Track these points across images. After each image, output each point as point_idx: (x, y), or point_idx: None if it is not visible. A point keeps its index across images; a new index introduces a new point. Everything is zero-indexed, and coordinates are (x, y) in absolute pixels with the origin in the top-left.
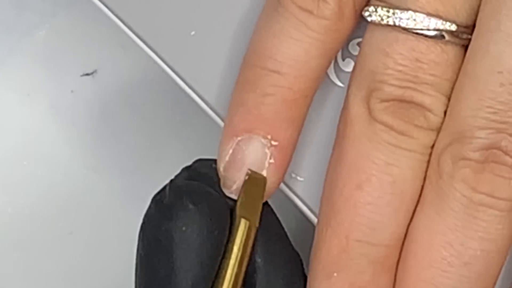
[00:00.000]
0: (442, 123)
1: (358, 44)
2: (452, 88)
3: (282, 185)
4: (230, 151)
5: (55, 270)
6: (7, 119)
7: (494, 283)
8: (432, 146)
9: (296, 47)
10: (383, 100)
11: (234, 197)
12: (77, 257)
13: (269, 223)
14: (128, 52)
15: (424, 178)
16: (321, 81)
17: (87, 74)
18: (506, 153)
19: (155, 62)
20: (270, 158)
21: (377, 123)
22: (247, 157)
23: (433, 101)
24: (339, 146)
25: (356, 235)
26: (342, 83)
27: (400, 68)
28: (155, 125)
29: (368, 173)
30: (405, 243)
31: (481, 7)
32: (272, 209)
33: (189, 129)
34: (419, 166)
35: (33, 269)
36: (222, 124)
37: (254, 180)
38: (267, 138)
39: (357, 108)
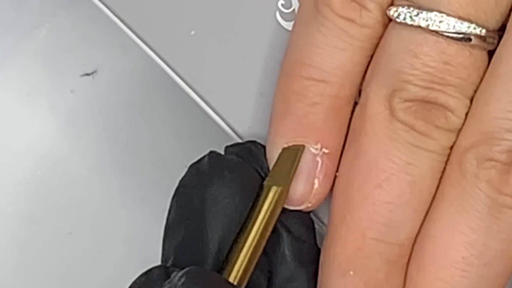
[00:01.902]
0: (462, 125)
1: None
2: (475, 91)
3: None
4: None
5: (55, 270)
6: (7, 119)
7: (507, 283)
8: (451, 148)
9: (341, 56)
10: (406, 100)
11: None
12: (77, 257)
13: (301, 216)
14: (128, 52)
15: (440, 178)
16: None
17: (87, 74)
18: None
19: (155, 62)
20: (321, 167)
21: (398, 122)
22: (300, 167)
23: (457, 103)
24: (357, 143)
25: (373, 234)
26: None
27: (428, 69)
28: (155, 125)
29: (388, 172)
30: (420, 241)
31: None
32: None
33: (189, 129)
34: (437, 167)
35: (33, 269)
36: (222, 124)
37: (290, 151)
38: (317, 146)
39: (377, 106)
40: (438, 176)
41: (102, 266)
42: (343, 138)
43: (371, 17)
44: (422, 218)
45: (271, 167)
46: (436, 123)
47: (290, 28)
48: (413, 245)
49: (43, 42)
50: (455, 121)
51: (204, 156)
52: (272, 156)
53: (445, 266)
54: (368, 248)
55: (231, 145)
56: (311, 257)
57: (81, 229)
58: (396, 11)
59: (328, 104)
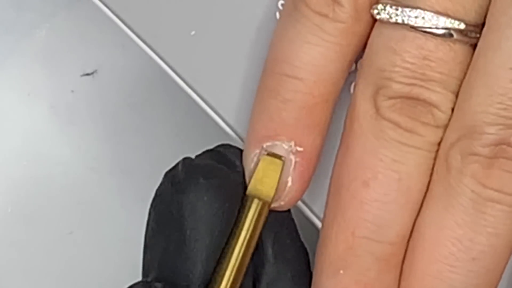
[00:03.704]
0: (449, 120)
1: None
2: (460, 86)
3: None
4: (255, 159)
5: (55, 270)
6: (7, 119)
7: (500, 278)
8: (439, 143)
9: (314, 51)
10: (390, 97)
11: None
12: (77, 257)
13: (281, 216)
14: (128, 52)
15: (431, 175)
16: (341, 84)
17: (87, 74)
18: None
19: (155, 62)
20: (295, 165)
21: (384, 120)
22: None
23: (441, 98)
24: (346, 142)
25: (362, 232)
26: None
27: (408, 65)
28: (155, 125)
29: (374, 170)
30: (412, 239)
31: (492, 3)
32: None
33: (189, 129)
34: (425, 163)
35: (33, 269)
36: (222, 124)
37: (270, 161)
38: (290, 144)
39: (364, 105)
40: (427, 173)
41: (102, 266)
42: (321, 137)
43: (344, 11)
44: (412, 215)
45: (246, 166)
46: (422, 119)
47: None
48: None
49: (43, 42)
50: (441, 116)
51: (178, 163)
52: (248, 156)
53: (433, 262)
54: (359, 247)
55: (201, 154)
56: (295, 256)
57: (81, 229)
58: (376, 8)
59: (300, 102)
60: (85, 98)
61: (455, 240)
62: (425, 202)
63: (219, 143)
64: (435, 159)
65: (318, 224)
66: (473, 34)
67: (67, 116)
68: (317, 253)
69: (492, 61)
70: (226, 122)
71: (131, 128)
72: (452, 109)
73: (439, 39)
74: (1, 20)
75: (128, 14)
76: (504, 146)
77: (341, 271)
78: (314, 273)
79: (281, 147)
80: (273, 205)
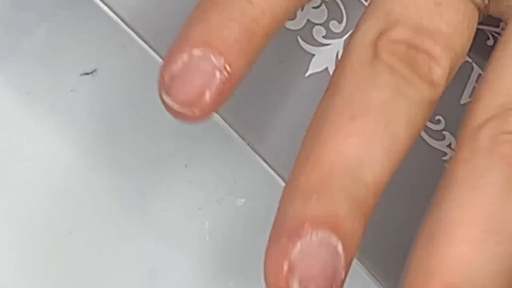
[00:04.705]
0: (444, 80)
1: None
2: (462, 46)
3: None
4: (180, 63)
5: (55, 270)
6: (6, 118)
7: None
8: (430, 103)
9: None
10: (392, 41)
11: (171, 111)
12: (77, 257)
13: None
14: (128, 52)
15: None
16: (281, 26)
17: (87, 74)
18: None
19: (156, 62)
20: (217, 81)
21: (381, 63)
22: (196, 73)
23: (442, 53)
24: (334, 84)
25: (341, 167)
26: None
27: (417, 10)
28: (155, 125)
29: (364, 105)
30: (433, 219)
31: None
32: None
33: (189, 129)
34: (414, 116)
35: (33, 269)
36: (222, 123)
37: None
38: (221, 60)
39: (360, 49)
40: (413, 130)
41: (102, 266)
42: (249, 65)
43: None
44: (392, 166)
45: (170, 65)
46: (419, 71)
47: (290, 27)
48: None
49: (42, 41)
50: (438, 73)
51: None
52: (174, 56)
53: (459, 245)
54: (334, 182)
55: None
56: None
57: (81, 229)
58: None
59: (245, 25)
60: (85, 98)
61: (482, 220)
62: (445, 186)
63: (219, 143)
64: (422, 119)
65: None
66: (486, 1)
67: (67, 115)
68: (288, 182)
69: None
70: (226, 121)
71: (131, 127)
72: (450, 69)
73: None
74: (1, 19)
75: (129, 14)
76: None
77: (313, 199)
78: (281, 200)
79: (211, 60)
80: (185, 112)
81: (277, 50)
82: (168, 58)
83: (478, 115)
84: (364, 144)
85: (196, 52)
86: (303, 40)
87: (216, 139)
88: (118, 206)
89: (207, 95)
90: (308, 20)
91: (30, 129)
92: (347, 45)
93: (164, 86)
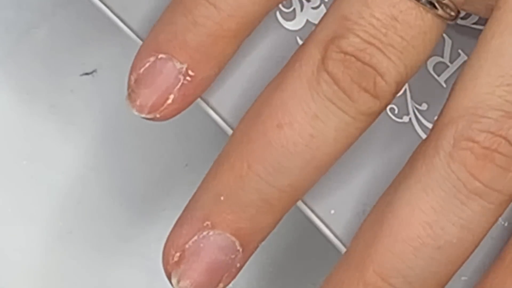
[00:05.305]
0: (390, 94)
1: None
2: (415, 60)
3: None
4: (147, 65)
5: (55, 270)
6: (6, 118)
7: (456, 271)
8: (369, 115)
9: None
10: (342, 51)
11: (135, 112)
12: (77, 257)
13: None
14: (128, 52)
15: (350, 144)
16: (255, 27)
17: (87, 74)
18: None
19: None
20: (180, 86)
21: (324, 72)
22: (160, 77)
23: (391, 67)
24: (280, 78)
25: (259, 170)
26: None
27: (374, 21)
28: (155, 125)
29: (293, 117)
30: (383, 212)
31: None
32: None
33: (189, 129)
34: (346, 130)
35: (33, 268)
36: (222, 123)
37: None
38: (183, 65)
39: (313, 49)
40: (345, 141)
41: (102, 266)
42: (217, 69)
43: None
44: (313, 174)
45: (134, 70)
46: (363, 84)
47: (290, 28)
48: (374, 215)
49: (42, 41)
50: (383, 87)
51: None
52: (140, 60)
53: (399, 241)
54: (249, 181)
55: None
56: None
57: (81, 228)
58: None
59: (210, 30)
60: (85, 98)
61: (426, 224)
62: (402, 178)
63: (219, 143)
64: (359, 129)
65: (319, 223)
66: (448, 11)
67: (67, 116)
68: (208, 172)
69: (506, 39)
70: (226, 122)
71: (131, 128)
72: (397, 83)
73: (413, 3)
74: (1, 19)
75: (128, 14)
76: (501, 140)
77: (222, 197)
78: (198, 188)
79: (174, 65)
80: (148, 115)
81: (276, 50)
82: (136, 60)
83: (447, 114)
84: (284, 154)
85: (161, 56)
86: (302, 40)
87: (216, 139)
88: (118, 206)
89: (170, 100)
90: (308, 21)
91: (30, 129)
92: (307, 38)
93: (130, 87)
